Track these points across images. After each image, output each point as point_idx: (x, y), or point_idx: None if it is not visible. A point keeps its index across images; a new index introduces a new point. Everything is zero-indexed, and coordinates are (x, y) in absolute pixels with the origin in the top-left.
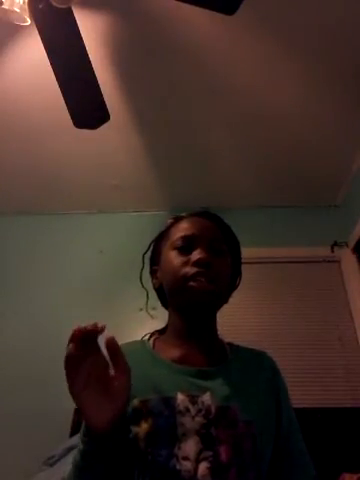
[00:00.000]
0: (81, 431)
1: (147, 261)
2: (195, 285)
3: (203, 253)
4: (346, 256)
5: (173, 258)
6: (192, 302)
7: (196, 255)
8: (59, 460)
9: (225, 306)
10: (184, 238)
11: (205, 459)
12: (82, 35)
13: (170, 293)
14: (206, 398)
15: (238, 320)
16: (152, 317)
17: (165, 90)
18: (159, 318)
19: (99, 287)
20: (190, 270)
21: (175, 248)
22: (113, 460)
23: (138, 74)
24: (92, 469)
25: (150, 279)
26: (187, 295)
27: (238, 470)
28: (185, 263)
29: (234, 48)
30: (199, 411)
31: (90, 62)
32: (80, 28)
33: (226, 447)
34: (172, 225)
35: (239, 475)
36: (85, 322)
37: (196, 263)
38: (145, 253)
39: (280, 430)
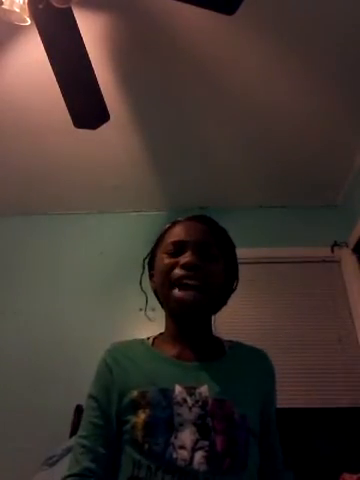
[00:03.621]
0: None
1: (147, 266)
2: (180, 296)
3: (191, 256)
4: (346, 256)
5: (163, 260)
6: (178, 312)
7: (184, 258)
8: (59, 460)
9: (225, 306)
10: (174, 243)
11: (201, 448)
12: (82, 35)
13: (161, 297)
14: (203, 390)
15: (238, 320)
16: (150, 320)
17: (165, 90)
18: (158, 319)
19: (99, 287)
20: (178, 272)
21: (166, 252)
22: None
23: (138, 74)
24: None
25: (149, 283)
26: (172, 304)
27: (232, 460)
28: (173, 266)
29: (234, 48)
30: (196, 402)
31: (90, 62)
32: (80, 28)
33: (222, 438)
34: (168, 229)
35: (233, 465)
36: (85, 322)
37: (183, 266)
38: (145, 258)
39: (265, 426)
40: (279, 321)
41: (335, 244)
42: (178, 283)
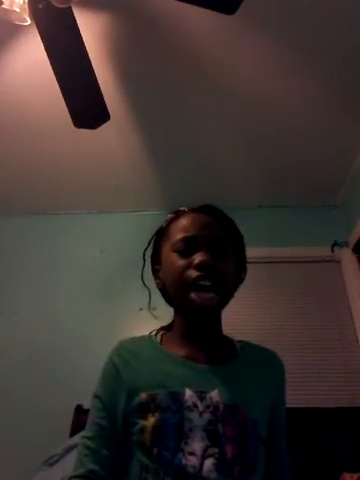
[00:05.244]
0: None
1: (148, 258)
2: (196, 299)
3: (205, 255)
4: (346, 256)
5: (174, 261)
6: (193, 314)
7: (198, 257)
8: (59, 460)
9: (225, 306)
10: (185, 240)
11: (211, 456)
12: (82, 35)
13: (173, 297)
14: (214, 394)
15: (238, 320)
16: (155, 317)
17: (165, 90)
18: (160, 318)
19: (99, 287)
20: (192, 273)
21: (176, 251)
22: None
23: (138, 74)
24: None
25: (152, 278)
26: (188, 307)
27: (241, 468)
28: (187, 266)
29: (234, 48)
30: (207, 407)
31: (90, 62)
32: (80, 28)
33: (232, 445)
34: (172, 221)
35: (242, 473)
36: (85, 322)
37: (198, 266)
38: (145, 250)
39: (275, 426)
40: (279, 321)
41: (335, 244)
42: (193, 285)
